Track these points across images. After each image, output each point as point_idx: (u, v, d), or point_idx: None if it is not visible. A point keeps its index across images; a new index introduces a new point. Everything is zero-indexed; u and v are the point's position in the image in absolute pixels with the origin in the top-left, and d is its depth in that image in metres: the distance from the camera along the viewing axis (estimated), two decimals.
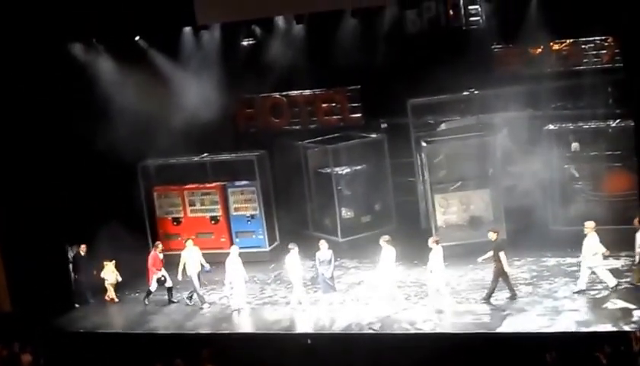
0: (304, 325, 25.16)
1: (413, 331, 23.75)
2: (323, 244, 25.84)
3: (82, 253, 28.29)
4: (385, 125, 31.49)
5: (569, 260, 26.36)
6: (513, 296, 24.56)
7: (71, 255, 28.59)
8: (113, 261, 28.27)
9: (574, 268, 25.29)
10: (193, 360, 21.88)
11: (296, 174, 31.50)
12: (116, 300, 28.46)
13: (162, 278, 27.40)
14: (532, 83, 29.05)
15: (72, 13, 27.42)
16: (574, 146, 28.20)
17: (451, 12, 29.84)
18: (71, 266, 28.42)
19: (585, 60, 29.25)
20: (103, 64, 30.03)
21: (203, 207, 31.05)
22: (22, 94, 27.40)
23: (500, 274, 24.45)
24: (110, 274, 28.31)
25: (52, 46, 27.91)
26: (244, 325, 25.94)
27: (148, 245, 30.00)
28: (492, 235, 24.70)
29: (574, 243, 25.03)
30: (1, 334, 25.35)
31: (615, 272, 24.82)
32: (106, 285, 28.36)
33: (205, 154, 31.32)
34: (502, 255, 24.37)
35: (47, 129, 28.08)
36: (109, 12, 27.33)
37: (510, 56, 30.04)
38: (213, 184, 30.94)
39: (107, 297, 28.44)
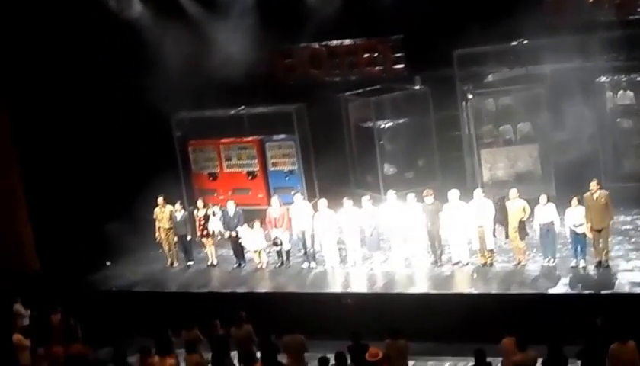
0: (345, 284, 24.71)
1: (456, 291, 23.39)
2: (366, 200, 24.98)
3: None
4: (419, 79, 30.08)
5: (622, 218, 25.46)
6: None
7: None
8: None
9: (628, 226, 24.22)
10: (231, 320, 20.98)
11: (336, 128, 30.60)
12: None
13: (277, 240, 25.90)
14: (584, 33, 27.67)
15: None
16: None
17: None
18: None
19: None
20: (135, 13, 29.44)
21: (240, 162, 30.23)
22: (50, 45, 27.02)
23: None
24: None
25: None
26: (282, 284, 25.29)
27: (184, 201, 29.31)
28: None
29: (628, 200, 24.56)
30: (30, 294, 24.77)
31: None
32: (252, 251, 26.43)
33: (242, 106, 30.41)
34: None
35: (77, 80, 27.76)
36: None
37: (561, 4, 28.70)
38: (250, 138, 30.14)
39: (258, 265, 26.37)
